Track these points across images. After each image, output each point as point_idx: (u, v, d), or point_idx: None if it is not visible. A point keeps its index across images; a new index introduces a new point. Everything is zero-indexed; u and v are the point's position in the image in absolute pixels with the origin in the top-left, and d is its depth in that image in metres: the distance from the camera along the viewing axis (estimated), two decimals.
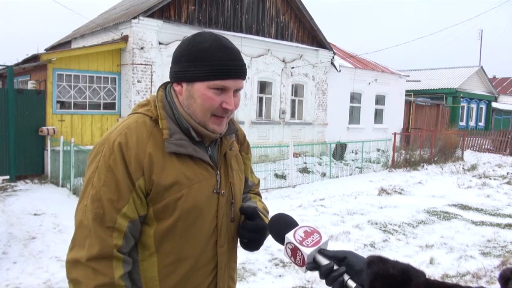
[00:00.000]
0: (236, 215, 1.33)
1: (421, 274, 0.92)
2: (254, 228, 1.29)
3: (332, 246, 1.04)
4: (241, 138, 1.48)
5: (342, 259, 0.98)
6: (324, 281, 0.99)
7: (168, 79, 1.31)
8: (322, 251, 1.01)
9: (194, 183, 1.20)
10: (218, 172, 1.28)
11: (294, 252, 1.02)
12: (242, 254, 4.93)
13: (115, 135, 1.17)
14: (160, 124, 1.21)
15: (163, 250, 1.19)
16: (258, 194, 1.59)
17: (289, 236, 1.03)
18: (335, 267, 0.97)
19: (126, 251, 1.15)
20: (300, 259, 1.01)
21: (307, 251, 1.00)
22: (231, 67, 1.19)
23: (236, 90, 1.24)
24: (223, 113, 1.22)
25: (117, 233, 1.12)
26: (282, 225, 1.10)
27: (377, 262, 0.93)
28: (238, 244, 1.38)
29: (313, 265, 1.01)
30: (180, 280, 1.20)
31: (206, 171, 1.24)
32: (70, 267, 1.12)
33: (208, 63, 1.17)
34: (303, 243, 1.01)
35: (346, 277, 0.95)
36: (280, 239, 1.08)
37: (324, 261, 0.99)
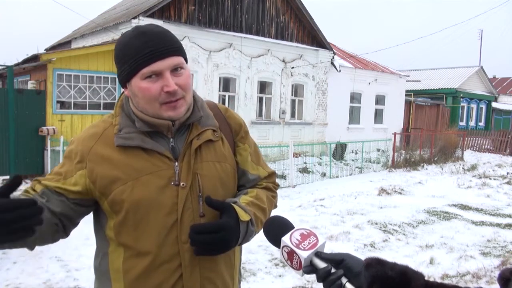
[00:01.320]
0: (207, 210, 1.21)
1: (420, 275, 0.91)
2: (207, 228, 1.15)
3: (332, 246, 1.04)
4: (236, 127, 1.38)
5: (340, 261, 0.96)
6: (321, 284, 0.98)
7: None
8: (319, 254, 0.99)
9: (142, 174, 1.17)
10: (177, 163, 1.20)
11: (290, 255, 1.00)
12: (242, 254, 4.93)
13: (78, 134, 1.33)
14: (113, 121, 1.26)
15: (123, 243, 1.20)
16: (267, 188, 1.42)
17: (285, 239, 1.01)
18: (333, 270, 0.96)
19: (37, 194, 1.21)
20: (296, 262, 0.99)
21: (303, 254, 0.98)
22: (151, 49, 1.13)
23: (179, 69, 1.17)
24: (169, 97, 1.15)
25: (39, 184, 1.21)
26: (278, 228, 1.07)
27: (375, 264, 0.93)
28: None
29: (310, 268, 0.99)
30: (141, 275, 1.18)
31: (161, 162, 1.19)
32: None
33: (130, 54, 1.15)
34: (300, 246, 0.99)
35: (344, 280, 0.94)
36: (276, 242, 1.05)
37: (321, 264, 0.98)
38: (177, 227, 1.18)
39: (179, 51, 1.18)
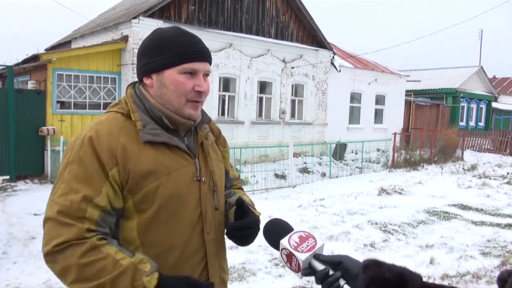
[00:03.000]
0: (219, 204, 1.35)
1: (417, 277, 0.91)
2: (247, 224, 1.29)
3: (332, 246, 1.05)
4: (217, 132, 1.51)
5: (338, 263, 0.98)
6: (320, 286, 0.99)
7: None
8: (318, 256, 1.00)
9: (172, 170, 1.21)
10: (196, 160, 1.29)
11: (289, 258, 1.02)
12: (242, 254, 4.93)
13: (86, 131, 1.19)
14: (132, 117, 1.23)
15: (148, 242, 1.18)
16: (241, 189, 1.61)
17: (284, 242, 1.02)
18: (331, 272, 0.97)
19: (101, 232, 1.12)
20: (295, 264, 1.01)
21: (302, 256, 0.99)
22: (197, 50, 1.23)
23: (206, 75, 1.27)
24: (197, 97, 1.24)
25: (89, 221, 1.09)
26: (277, 230, 1.09)
27: (373, 266, 0.93)
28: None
29: (308, 270, 1.00)
30: (169, 271, 1.18)
31: (184, 159, 1.25)
32: (49, 261, 1.09)
33: (174, 48, 1.21)
34: (298, 248, 1.00)
35: (342, 282, 0.95)
36: (275, 245, 1.07)
37: (319, 266, 0.99)
38: (202, 219, 1.27)
39: (211, 61, 1.30)
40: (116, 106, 1.29)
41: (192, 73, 1.22)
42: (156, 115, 1.23)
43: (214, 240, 1.30)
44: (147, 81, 1.26)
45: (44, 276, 4.27)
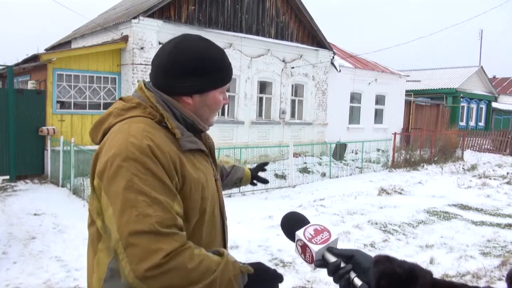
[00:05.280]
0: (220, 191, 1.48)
1: (427, 273, 0.92)
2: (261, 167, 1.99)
3: (338, 243, 1.07)
4: None
5: (350, 257, 1.01)
6: (326, 284, 1.01)
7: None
8: (331, 249, 1.04)
9: (207, 175, 1.29)
10: (211, 160, 1.39)
11: (303, 249, 1.06)
12: (242, 254, 4.93)
13: (138, 140, 1.10)
14: (168, 125, 1.20)
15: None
16: None
17: (299, 233, 1.07)
18: (342, 264, 1.00)
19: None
20: (309, 256, 1.05)
21: (315, 248, 1.03)
22: (231, 69, 1.32)
23: None
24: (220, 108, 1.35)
25: (179, 229, 1.09)
26: (294, 222, 1.13)
27: (384, 261, 0.95)
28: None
29: (321, 262, 1.04)
30: None
31: (207, 162, 1.33)
32: (153, 276, 1.01)
33: (220, 70, 1.27)
34: (312, 240, 1.05)
35: (352, 274, 0.98)
36: (291, 236, 1.11)
37: (332, 258, 1.02)
38: (221, 213, 1.38)
39: None
40: (137, 110, 1.21)
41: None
42: (188, 122, 1.27)
43: (227, 232, 1.45)
44: (187, 99, 1.25)
45: (44, 276, 4.27)
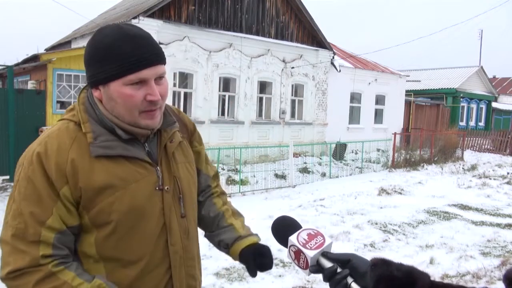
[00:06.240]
0: (187, 211, 1.27)
1: (425, 276, 0.91)
2: (262, 262, 1.31)
3: (332, 247, 1.04)
4: (191, 128, 1.42)
5: (346, 261, 0.97)
6: (327, 283, 0.99)
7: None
8: (326, 254, 1.00)
9: (130, 183, 1.13)
10: (158, 168, 1.20)
11: (297, 254, 1.02)
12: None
13: (35, 145, 1.10)
14: (83, 128, 1.12)
15: (108, 256, 1.13)
16: (222, 195, 1.50)
17: (293, 238, 1.03)
18: (339, 269, 0.97)
19: (58, 255, 1.07)
20: (303, 261, 1.01)
21: (310, 253, 0.99)
22: (140, 56, 1.08)
23: (159, 78, 1.14)
24: (150, 106, 1.13)
25: (44, 245, 1.04)
26: (286, 227, 1.09)
27: (381, 264, 0.93)
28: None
29: (316, 267, 1.00)
30: (132, 284, 1.15)
31: (143, 169, 1.17)
32: (7, 286, 1.06)
33: (115, 59, 1.08)
34: (307, 245, 1.01)
35: (349, 280, 0.94)
36: (284, 241, 1.07)
37: (327, 263, 0.99)
38: (166, 230, 1.20)
39: (164, 59, 1.16)
40: (70, 113, 1.18)
41: (141, 82, 1.10)
42: (109, 125, 1.14)
43: (180, 250, 1.23)
44: (95, 92, 1.15)
45: None
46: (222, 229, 1.39)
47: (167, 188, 1.20)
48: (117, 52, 1.08)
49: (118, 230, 1.13)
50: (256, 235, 1.38)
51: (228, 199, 1.55)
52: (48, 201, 1.06)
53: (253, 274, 1.30)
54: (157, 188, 1.18)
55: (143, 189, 1.15)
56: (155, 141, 1.24)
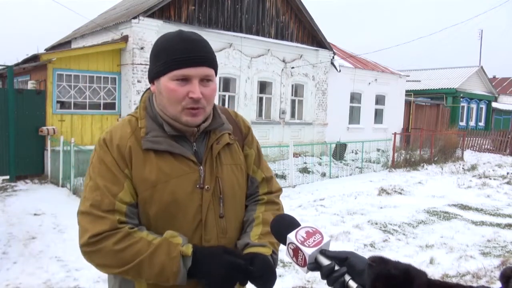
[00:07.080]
0: (226, 212, 1.30)
1: (422, 274, 0.91)
2: (260, 273, 1.21)
3: (332, 246, 1.04)
4: (245, 130, 1.47)
5: (344, 259, 0.98)
6: (325, 281, 0.99)
7: None
8: (324, 252, 1.01)
9: (171, 178, 1.22)
10: (201, 167, 1.27)
11: (295, 252, 1.03)
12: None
13: (104, 134, 1.28)
14: (139, 123, 1.27)
15: None
16: (269, 202, 1.44)
17: (291, 236, 1.03)
18: (336, 267, 0.97)
19: (132, 224, 1.20)
20: (301, 259, 1.01)
21: (308, 251, 1.00)
22: (189, 55, 1.20)
23: (207, 80, 1.24)
24: (192, 103, 1.21)
25: (119, 213, 1.18)
26: (284, 225, 1.10)
27: (379, 262, 0.93)
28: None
29: (314, 265, 1.01)
30: None
31: (187, 166, 1.25)
32: (85, 252, 1.18)
33: (165, 56, 1.21)
34: (305, 243, 1.01)
35: (347, 277, 0.95)
36: (282, 239, 1.08)
37: (325, 261, 0.99)
38: (201, 227, 1.26)
39: (212, 63, 1.26)
40: (136, 109, 1.35)
41: (185, 80, 1.20)
42: (159, 122, 1.27)
43: None
44: (152, 87, 1.29)
45: (44, 276, 4.27)
46: (242, 234, 1.39)
47: (207, 187, 1.27)
48: (168, 51, 1.21)
49: (158, 219, 1.22)
50: (268, 247, 1.30)
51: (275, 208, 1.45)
52: (119, 177, 1.20)
53: (242, 283, 1.23)
54: (197, 186, 1.26)
55: (183, 185, 1.24)
56: (203, 142, 1.32)
